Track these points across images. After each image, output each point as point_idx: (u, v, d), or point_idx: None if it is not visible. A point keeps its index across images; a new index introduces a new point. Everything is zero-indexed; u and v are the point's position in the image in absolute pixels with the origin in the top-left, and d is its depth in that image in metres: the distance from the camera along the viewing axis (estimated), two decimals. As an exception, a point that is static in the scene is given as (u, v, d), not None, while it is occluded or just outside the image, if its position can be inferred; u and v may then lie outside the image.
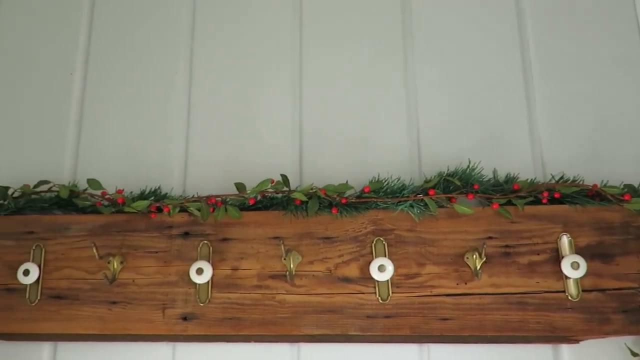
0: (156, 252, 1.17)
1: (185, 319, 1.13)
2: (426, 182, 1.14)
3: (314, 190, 1.14)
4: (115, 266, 1.16)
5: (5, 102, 1.34)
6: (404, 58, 1.30)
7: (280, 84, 1.30)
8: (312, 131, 1.27)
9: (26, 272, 1.16)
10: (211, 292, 1.14)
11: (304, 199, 1.13)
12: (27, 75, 1.36)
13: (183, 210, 1.19)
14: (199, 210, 1.15)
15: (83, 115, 1.32)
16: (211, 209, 1.15)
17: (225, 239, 1.17)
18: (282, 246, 1.09)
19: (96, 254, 1.13)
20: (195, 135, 1.28)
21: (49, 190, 1.24)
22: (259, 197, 1.17)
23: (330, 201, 1.15)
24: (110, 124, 1.31)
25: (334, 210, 1.13)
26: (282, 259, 1.14)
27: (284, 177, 1.16)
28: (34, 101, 1.34)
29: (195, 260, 1.15)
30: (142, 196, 1.20)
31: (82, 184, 1.24)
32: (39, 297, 1.17)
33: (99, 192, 1.21)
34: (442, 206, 1.14)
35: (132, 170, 1.26)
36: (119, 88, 1.33)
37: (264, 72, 1.31)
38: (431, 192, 1.12)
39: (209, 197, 1.16)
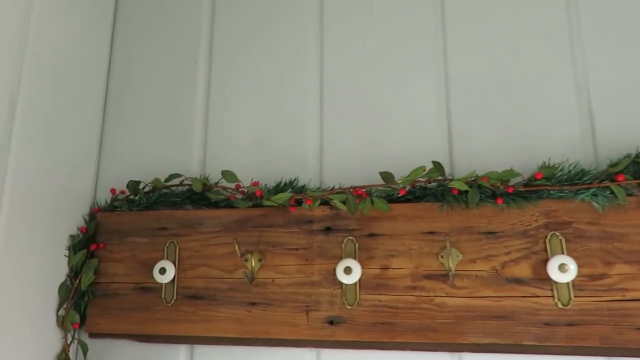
0: (296, 249, 1.10)
1: (331, 322, 1.05)
2: (611, 165, 0.99)
3: (474, 178, 1.02)
4: (254, 264, 1.10)
5: (132, 98, 1.33)
6: (568, 21, 1.14)
7: (422, 61, 1.19)
8: (461, 113, 1.15)
9: (162, 271, 1.13)
10: (359, 294, 1.04)
11: (464, 188, 1.02)
12: (152, 68, 1.34)
13: (324, 203, 1.10)
14: (343, 203, 1.06)
15: (209, 107, 1.29)
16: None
17: (372, 235, 1.07)
18: (448, 242, 0.98)
19: (238, 251, 1.08)
20: (330, 122, 1.21)
21: (181, 184, 1.21)
22: (408, 188, 1.06)
23: (494, 191, 1.02)
24: (237, 114, 1.26)
25: (499, 201, 1.01)
26: (439, 257, 1.02)
27: (437, 164, 1.05)
28: (159, 95, 1.32)
29: (340, 258, 1.07)
30: (278, 189, 1.14)
31: (212, 178, 1.19)
32: (174, 297, 1.14)
33: (232, 185, 1.16)
34: (632, 194, 0.97)
35: (263, 162, 1.21)
36: (245, 77, 1.28)
37: (404, 49, 1.21)
38: (620, 177, 0.96)
39: (354, 189, 1.07)
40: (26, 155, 1.08)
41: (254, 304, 1.12)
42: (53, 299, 1.16)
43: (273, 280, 1.12)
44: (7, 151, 1.05)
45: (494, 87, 1.16)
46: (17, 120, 1.07)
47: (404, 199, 1.10)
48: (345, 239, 1.10)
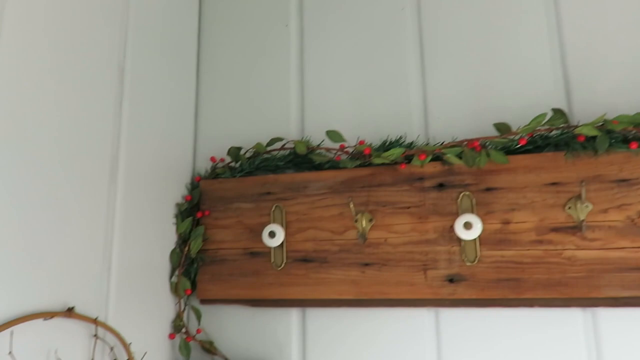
0: (408, 208, 1.08)
1: (451, 281, 1.02)
2: None
3: (602, 123, 0.96)
4: (364, 225, 1.09)
5: (223, 66, 1.33)
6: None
7: (531, 3, 1.13)
8: (577, 56, 1.08)
9: (272, 234, 1.13)
10: (479, 250, 1.01)
11: (593, 133, 0.96)
12: (243, 34, 1.33)
13: (434, 159, 1.07)
14: (457, 157, 1.02)
15: (304, 70, 1.28)
16: (470, 155, 1.03)
17: (489, 189, 1.04)
18: (583, 190, 0.93)
19: (352, 209, 1.07)
20: (433, 75, 1.17)
21: (282, 147, 1.20)
22: (527, 138, 1.01)
23: (625, 135, 0.96)
24: (333, 75, 1.25)
25: (632, 146, 0.95)
26: (566, 208, 0.98)
27: (559, 111, 1.00)
28: (251, 61, 1.32)
29: (456, 214, 1.04)
30: (384, 147, 1.11)
31: (312, 141, 1.18)
32: (284, 261, 1.14)
33: (336, 146, 1.14)
34: None
35: (365, 121, 1.19)
36: (339, 37, 1.26)
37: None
38: None
39: (468, 141, 1.03)
40: (134, 126, 1.11)
41: (367, 264, 1.11)
42: (165, 266, 1.19)
43: (386, 240, 1.10)
44: (119, 120, 1.07)
45: (611, 26, 1.09)
46: (125, 92, 1.09)
47: (523, 150, 1.06)
48: (461, 195, 1.07)
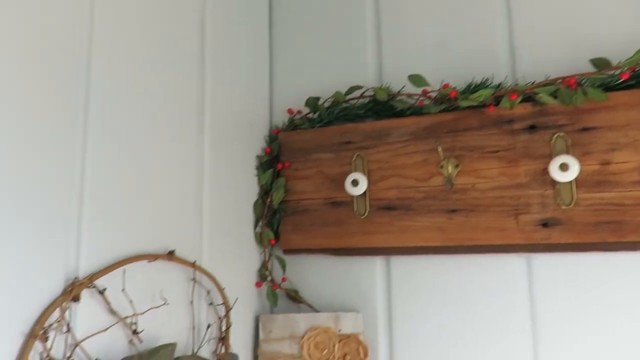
0: (497, 152, 1.04)
1: (545, 225, 0.99)
2: None
3: None
4: (450, 170, 1.07)
5: (295, 17, 1.32)
6: None
7: None
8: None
9: (354, 183, 1.13)
10: (575, 193, 0.97)
11: None
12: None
13: (525, 100, 1.03)
14: (552, 96, 0.98)
15: (380, 15, 1.24)
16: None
17: (585, 129, 0.99)
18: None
19: (441, 153, 1.05)
20: (520, 10, 1.11)
21: (362, 95, 1.18)
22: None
23: None
24: (411, 19, 1.21)
25: None
26: (674, 145, 0.91)
27: (666, 41, 0.92)
28: (323, 9, 1.29)
29: (549, 156, 1.00)
30: (470, 90, 1.07)
31: (392, 87, 1.16)
32: (367, 209, 1.14)
33: (419, 91, 1.12)
34: None
35: (446, 64, 1.16)
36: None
37: None
38: None
39: (563, 79, 0.98)
40: (215, 79, 1.12)
41: (454, 211, 1.09)
42: (249, 217, 1.22)
43: (473, 186, 1.08)
44: (202, 74, 1.09)
45: None
46: (207, 45, 1.10)
47: (623, 86, 1.00)
48: (554, 136, 1.03)
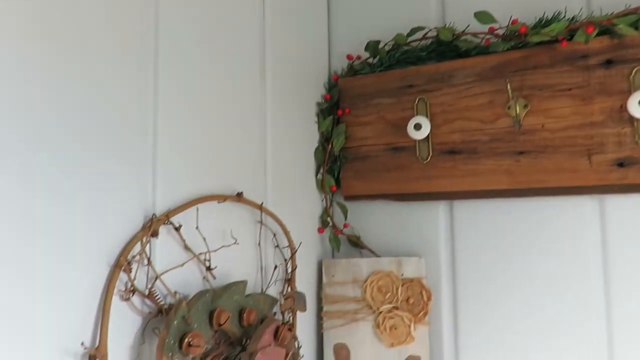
0: (569, 90, 1.00)
1: (621, 165, 0.95)
2: None
3: None
4: (518, 111, 1.03)
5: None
6: None
7: None
8: None
9: (417, 127, 1.11)
10: (656, 130, 0.92)
11: None
12: None
13: (601, 33, 0.97)
14: (633, 26, 0.92)
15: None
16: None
17: (669, 61, 0.92)
18: None
19: (509, 92, 1.01)
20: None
21: (424, 37, 1.15)
22: None
23: None
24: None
25: None
26: None
27: None
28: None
29: (627, 92, 0.95)
30: (541, 25, 1.01)
31: (456, 26, 1.12)
32: (430, 154, 1.12)
33: (485, 29, 1.07)
34: None
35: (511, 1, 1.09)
36: None
37: None
38: None
39: (647, 7, 0.91)
40: (275, 26, 1.11)
41: (522, 152, 1.06)
42: (310, 164, 1.23)
43: (543, 126, 1.04)
44: (262, 22, 1.08)
45: None
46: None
47: None
48: (634, 70, 0.97)
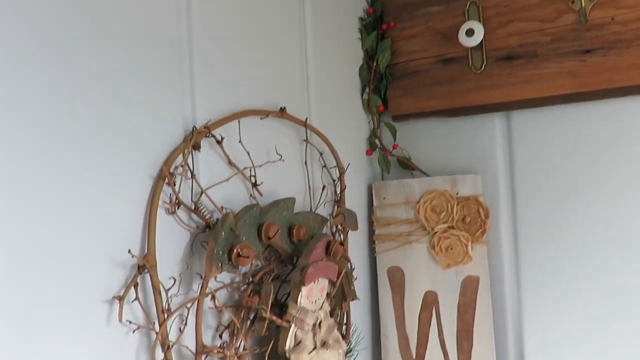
0: (643, -26, 0.87)
1: None
2: None
3: None
4: (583, 4, 0.92)
5: None
6: None
7: None
8: None
9: (469, 33, 1.02)
10: None
11: None
12: None
13: None
14: None
15: None
16: None
17: None
18: None
19: (574, -21, 0.90)
20: None
21: None
22: None
23: None
24: None
25: None
26: None
27: None
28: None
29: None
30: None
31: None
32: (484, 62, 1.04)
33: None
34: None
35: None
36: None
37: None
38: None
39: None
40: None
41: (588, 51, 0.96)
42: (355, 83, 1.17)
43: (612, 19, 0.94)
44: None
45: None
46: None
47: None
48: None
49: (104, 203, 0.63)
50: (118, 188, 0.65)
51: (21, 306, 0.54)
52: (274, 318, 0.76)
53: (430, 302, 1.11)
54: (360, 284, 1.13)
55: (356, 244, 1.13)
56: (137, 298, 0.64)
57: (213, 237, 0.69)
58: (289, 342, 0.78)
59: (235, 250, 0.69)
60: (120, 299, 0.62)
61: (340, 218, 0.92)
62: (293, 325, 0.78)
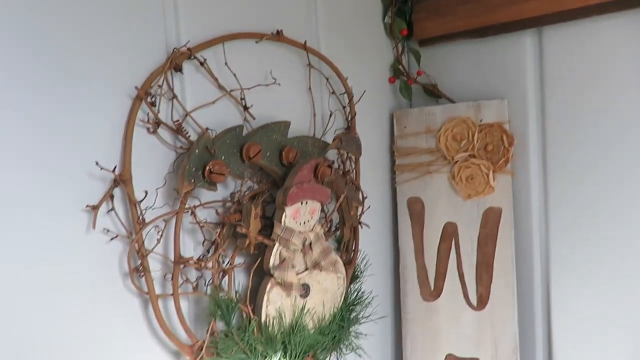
0: None
1: None
2: None
3: None
4: None
5: None
6: None
7: None
8: None
9: (493, -60, 0.91)
10: None
11: None
12: None
13: None
14: None
15: None
16: None
17: None
18: None
19: None
20: None
21: None
22: None
23: None
24: None
25: None
26: None
27: None
28: None
29: None
30: None
31: None
32: (511, -27, 0.92)
33: None
34: None
35: None
36: None
37: None
38: None
39: None
40: None
41: (628, -50, 0.82)
42: (376, 5, 1.11)
43: None
44: None
45: None
46: None
47: None
48: None
49: (85, 120, 0.67)
50: (99, 107, 0.69)
51: (2, 210, 0.60)
52: (259, 237, 0.77)
53: (449, 233, 1.07)
54: (380, 215, 1.12)
55: (378, 175, 1.11)
56: (112, 209, 0.69)
57: (188, 155, 0.71)
58: (273, 260, 0.79)
59: (207, 167, 0.71)
60: (94, 208, 0.66)
61: (337, 142, 0.90)
62: (277, 244, 0.80)
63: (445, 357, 1.07)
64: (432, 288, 1.09)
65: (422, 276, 1.10)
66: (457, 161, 1.04)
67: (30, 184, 0.62)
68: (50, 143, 0.64)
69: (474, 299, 1.05)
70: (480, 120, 1.03)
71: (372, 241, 1.08)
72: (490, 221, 1.03)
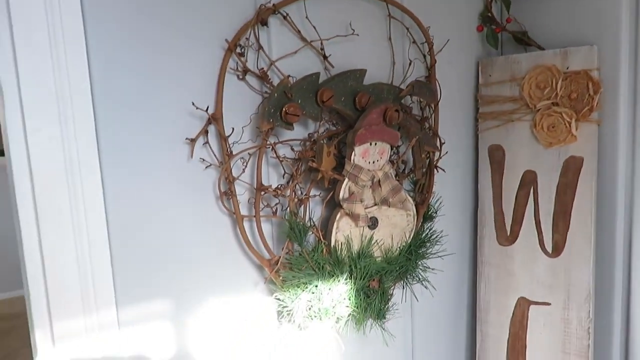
0: None
1: None
2: None
3: None
4: None
5: None
6: None
7: None
8: None
9: None
10: None
11: None
12: None
13: None
14: None
15: None
16: None
17: None
18: None
19: None
20: None
21: None
22: None
23: None
24: None
25: None
26: None
27: None
28: None
29: None
30: None
31: None
32: None
33: None
34: None
35: None
36: None
37: None
38: None
39: None
40: None
41: None
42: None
43: None
44: None
45: None
46: None
47: None
48: None
49: (186, 69, 0.81)
50: (197, 58, 0.82)
51: (121, 144, 0.77)
52: (330, 173, 0.87)
53: (528, 181, 1.08)
54: (460, 160, 1.16)
55: (458, 122, 1.14)
56: (207, 142, 0.83)
57: (268, 98, 0.83)
58: (343, 193, 0.89)
59: (284, 109, 0.82)
60: (192, 140, 0.81)
61: (409, 89, 0.95)
62: (347, 179, 0.89)
63: (517, 300, 1.10)
64: (509, 233, 1.11)
65: (499, 221, 1.12)
66: (539, 109, 1.04)
67: (142, 122, 0.78)
68: (158, 88, 0.79)
69: (549, 246, 1.06)
70: (567, 68, 1.00)
71: (449, 185, 1.13)
72: (570, 170, 1.02)
